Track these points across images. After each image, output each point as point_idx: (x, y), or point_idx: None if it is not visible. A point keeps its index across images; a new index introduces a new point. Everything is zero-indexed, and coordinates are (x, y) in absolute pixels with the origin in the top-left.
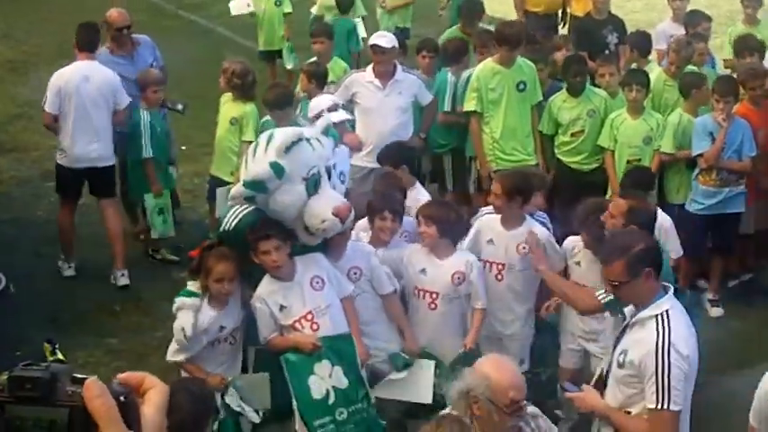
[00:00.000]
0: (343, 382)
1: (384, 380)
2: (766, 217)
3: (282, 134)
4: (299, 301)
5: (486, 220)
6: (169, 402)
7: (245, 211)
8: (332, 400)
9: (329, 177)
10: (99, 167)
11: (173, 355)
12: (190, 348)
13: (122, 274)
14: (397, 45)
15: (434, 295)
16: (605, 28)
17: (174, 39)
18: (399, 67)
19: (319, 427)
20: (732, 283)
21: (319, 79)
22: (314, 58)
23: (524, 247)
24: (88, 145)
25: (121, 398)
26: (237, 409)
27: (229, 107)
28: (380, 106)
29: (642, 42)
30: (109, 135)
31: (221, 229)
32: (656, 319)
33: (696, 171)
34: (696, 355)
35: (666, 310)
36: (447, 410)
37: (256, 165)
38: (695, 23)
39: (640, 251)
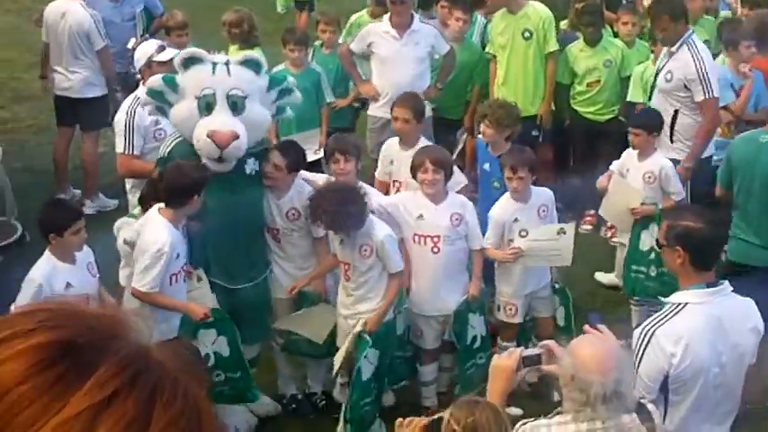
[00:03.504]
0: (225, 351)
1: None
2: None
3: (187, 50)
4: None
5: None
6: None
7: (176, 140)
8: (211, 362)
9: (236, 107)
10: (73, 98)
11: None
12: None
13: (83, 204)
14: None
15: (436, 239)
16: None
17: None
18: (416, 17)
19: None
20: None
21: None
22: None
23: None
24: (60, 75)
25: None
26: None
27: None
28: (397, 56)
29: None
30: (82, 70)
31: (159, 155)
32: (668, 307)
33: None
34: (702, 361)
35: (686, 303)
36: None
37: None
38: None
39: (682, 227)
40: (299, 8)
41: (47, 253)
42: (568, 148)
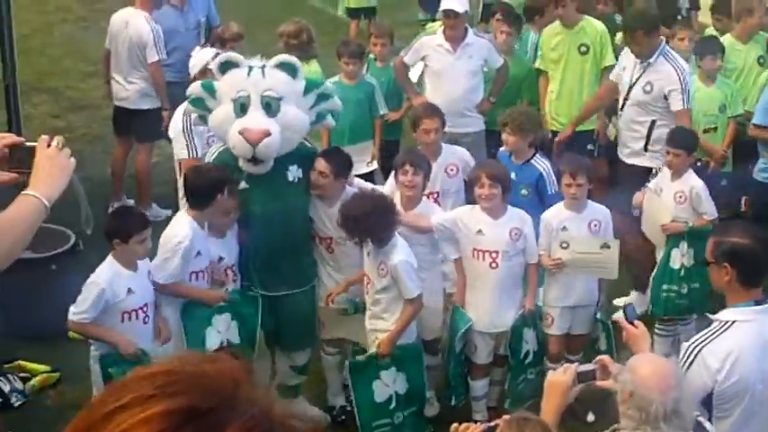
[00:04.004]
0: (235, 339)
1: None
2: None
3: (224, 55)
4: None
5: None
6: None
7: (222, 148)
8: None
9: (270, 108)
10: (129, 109)
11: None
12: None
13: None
14: (468, 9)
15: (494, 254)
16: None
17: None
18: (470, 31)
19: None
20: None
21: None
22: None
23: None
24: (118, 85)
25: None
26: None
27: None
28: (451, 70)
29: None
30: (139, 81)
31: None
32: (716, 325)
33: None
34: (748, 378)
35: (733, 321)
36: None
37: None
38: None
39: (729, 243)
40: (351, 17)
41: (110, 258)
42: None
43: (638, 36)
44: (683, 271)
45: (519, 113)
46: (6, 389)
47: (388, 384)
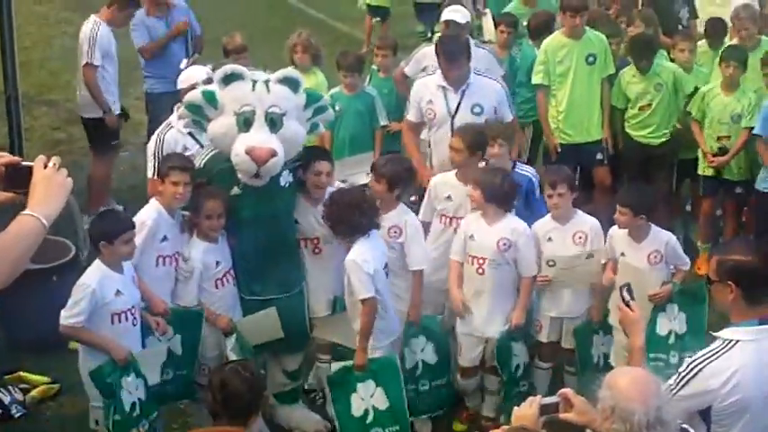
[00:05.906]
0: (178, 350)
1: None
2: None
3: (229, 67)
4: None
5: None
6: (222, 389)
7: (211, 153)
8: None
9: (274, 124)
10: (82, 117)
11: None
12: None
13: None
14: (470, 20)
15: (481, 261)
16: (677, 2)
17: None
18: (471, 42)
19: None
20: None
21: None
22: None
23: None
24: (79, 93)
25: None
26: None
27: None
28: None
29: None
30: (84, 87)
31: (195, 166)
32: (718, 343)
33: None
34: (749, 397)
35: (737, 341)
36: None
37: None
38: None
39: (732, 261)
40: (369, 13)
41: (97, 261)
42: (621, 172)
43: (462, 62)
44: (671, 338)
45: (500, 126)
46: (7, 400)
47: (364, 398)
